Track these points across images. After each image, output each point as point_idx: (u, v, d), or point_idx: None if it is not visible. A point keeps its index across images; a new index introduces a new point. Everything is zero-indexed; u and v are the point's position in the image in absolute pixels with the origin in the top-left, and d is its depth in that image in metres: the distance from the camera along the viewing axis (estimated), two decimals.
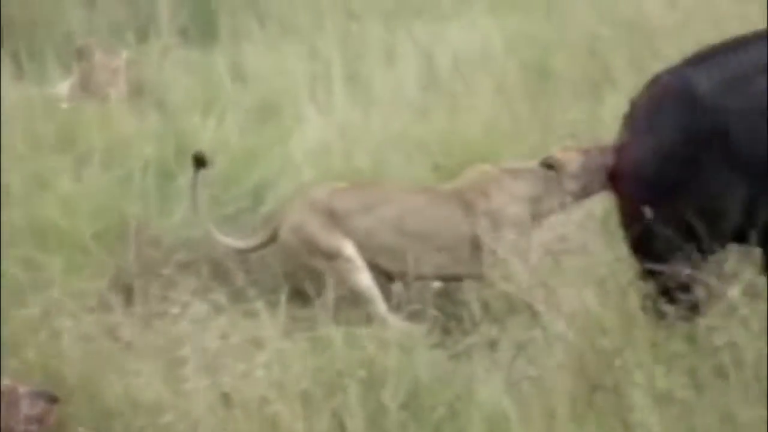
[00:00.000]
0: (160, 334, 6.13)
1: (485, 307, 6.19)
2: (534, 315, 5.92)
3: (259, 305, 5.99)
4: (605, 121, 7.86)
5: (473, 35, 9.78)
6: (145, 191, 7.64)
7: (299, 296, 6.55)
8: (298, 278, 6.63)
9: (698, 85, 5.75)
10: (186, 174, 7.21)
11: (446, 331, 6.26)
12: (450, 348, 6.08)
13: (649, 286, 5.79)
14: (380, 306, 6.44)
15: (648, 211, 5.77)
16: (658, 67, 8.15)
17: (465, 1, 10.89)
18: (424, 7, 10.94)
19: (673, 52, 8.56)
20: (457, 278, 6.54)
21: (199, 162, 6.80)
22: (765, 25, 6.06)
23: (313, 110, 8.71)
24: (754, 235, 5.78)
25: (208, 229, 6.79)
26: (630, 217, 5.93)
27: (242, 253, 6.84)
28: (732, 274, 5.82)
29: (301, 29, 10.62)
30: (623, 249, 6.07)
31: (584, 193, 6.61)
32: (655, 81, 5.96)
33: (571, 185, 6.57)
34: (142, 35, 11.06)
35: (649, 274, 5.82)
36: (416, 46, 9.75)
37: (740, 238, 5.86)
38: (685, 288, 5.71)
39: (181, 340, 5.90)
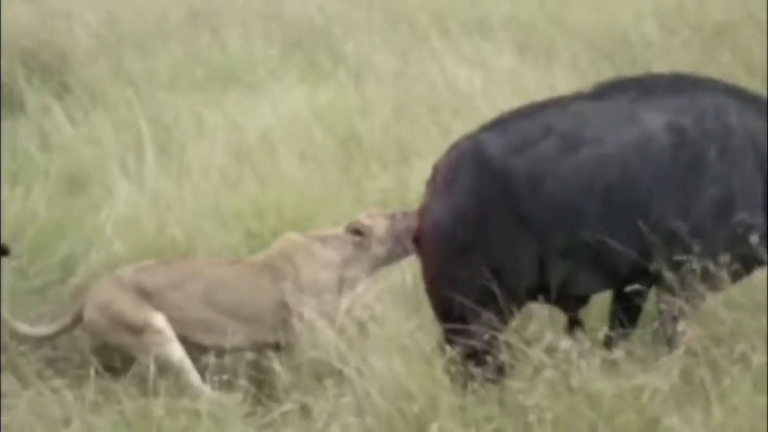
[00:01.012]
0: None
1: (297, 375, 6.18)
2: (344, 382, 5.93)
3: (59, 383, 5.85)
4: (413, 187, 7.99)
5: (283, 105, 9.83)
6: None
7: (109, 370, 6.42)
8: (107, 353, 6.50)
9: (489, 148, 5.91)
10: None
11: (258, 401, 6.22)
12: (262, 417, 6.04)
13: (455, 350, 5.87)
14: (193, 377, 6.36)
15: (447, 274, 5.87)
16: (464, 133, 8.41)
17: (275, 71, 10.95)
18: (234, 77, 10.95)
19: (479, 118, 8.81)
20: (269, 347, 6.52)
21: (2, 252, 6.63)
22: (567, 92, 6.27)
23: (124, 181, 8.60)
24: (549, 295, 5.95)
25: (5, 320, 6.58)
26: (432, 280, 6.04)
27: (43, 341, 6.66)
28: (536, 336, 5.93)
29: (109, 100, 10.50)
30: (427, 315, 6.16)
31: (391, 258, 6.70)
32: (455, 146, 6.12)
33: (379, 250, 6.64)
34: None
35: (453, 338, 5.90)
36: (227, 116, 9.74)
37: (537, 297, 6.01)
38: (489, 351, 5.81)
39: None
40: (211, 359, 6.25)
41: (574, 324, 6.09)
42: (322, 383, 5.88)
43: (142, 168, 8.83)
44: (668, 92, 5.92)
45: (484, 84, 9.70)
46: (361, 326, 6.29)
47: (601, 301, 6.19)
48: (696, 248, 5.70)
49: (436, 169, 6.10)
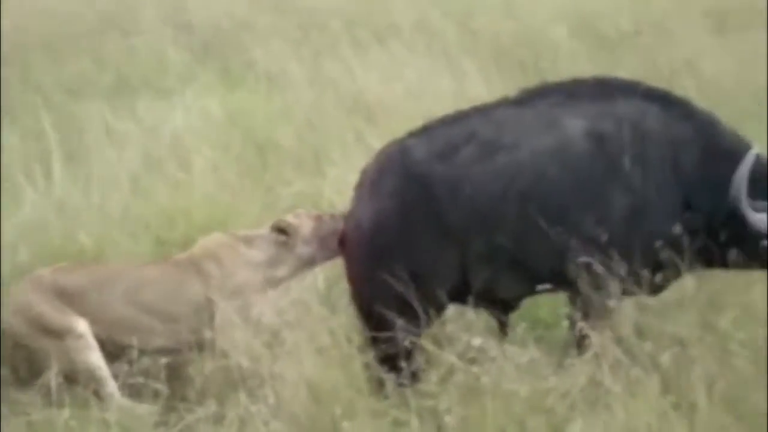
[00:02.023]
0: None
1: (211, 380, 6.14)
2: (260, 385, 5.90)
3: None
4: (326, 193, 8.00)
5: (194, 111, 9.78)
6: None
7: (18, 380, 6.32)
8: (16, 361, 6.39)
9: (414, 154, 5.95)
10: None
11: (172, 408, 6.17)
12: (174, 425, 5.99)
13: (372, 354, 5.88)
14: (109, 385, 6.28)
15: (370, 277, 5.88)
16: (377, 141, 8.43)
17: (185, 77, 10.89)
18: (144, 83, 10.87)
19: (393, 126, 8.84)
20: (191, 348, 6.43)
21: None
22: (482, 102, 6.30)
23: (30, 189, 8.48)
24: (470, 299, 5.98)
25: None
26: (355, 283, 6.05)
27: None
28: (450, 339, 5.96)
29: (16, 107, 10.36)
30: (346, 317, 6.16)
31: (317, 259, 6.66)
32: (383, 150, 6.17)
33: (304, 250, 6.61)
34: None
35: (373, 342, 5.92)
36: (137, 122, 9.66)
37: (459, 301, 6.03)
38: (407, 355, 5.82)
39: None
40: (124, 367, 6.18)
41: (504, 327, 6.11)
42: (237, 388, 5.85)
43: (51, 176, 8.72)
44: (590, 98, 5.97)
45: (396, 90, 9.73)
46: (277, 330, 6.27)
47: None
48: (612, 254, 5.74)
49: (364, 173, 6.13)
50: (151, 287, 6.47)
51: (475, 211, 5.84)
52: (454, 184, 5.86)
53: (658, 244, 5.78)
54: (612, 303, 5.81)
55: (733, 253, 5.82)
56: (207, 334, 6.37)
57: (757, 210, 5.71)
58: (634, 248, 5.79)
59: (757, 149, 5.83)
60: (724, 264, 5.90)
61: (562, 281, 5.85)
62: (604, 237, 5.75)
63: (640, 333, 5.91)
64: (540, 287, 5.90)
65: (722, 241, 5.83)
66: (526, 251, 5.84)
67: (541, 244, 5.79)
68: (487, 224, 5.84)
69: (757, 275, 6.17)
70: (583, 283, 5.78)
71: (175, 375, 6.36)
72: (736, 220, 5.76)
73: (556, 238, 5.76)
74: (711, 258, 5.87)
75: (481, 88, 9.65)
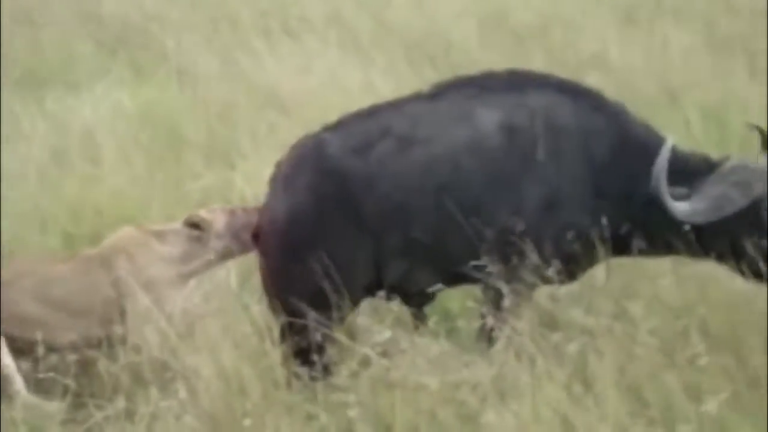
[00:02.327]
0: None
1: (121, 376, 6.09)
2: (171, 380, 5.86)
3: None
4: (237, 187, 7.96)
5: (104, 105, 9.68)
6: None
7: None
8: None
9: (330, 148, 5.95)
10: None
11: (80, 405, 6.10)
12: (83, 422, 5.93)
13: (285, 348, 5.88)
14: (16, 382, 6.20)
15: (284, 271, 5.87)
16: (288, 134, 8.41)
17: (97, 71, 10.77)
18: (52, 77, 10.73)
19: (305, 119, 8.83)
20: (101, 343, 6.37)
21: None
22: (394, 95, 6.31)
23: None
24: (382, 292, 5.99)
25: None
26: (269, 277, 6.03)
27: None
28: (362, 331, 5.97)
29: None
30: (263, 311, 6.15)
31: (230, 253, 6.64)
32: (297, 144, 6.15)
33: (217, 244, 6.58)
34: None
35: (286, 336, 5.92)
36: (46, 116, 9.54)
37: (371, 294, 6.05)
38: (319, 349, 5.82)
39: None
40: (32, 363, 6.11)
41: (419, 320, 6.13)
42: (148, 384, 5.81)
43: None
44: (503, 90, 6.00)
45: (307, 83, 9.71)
46: (189, 325, 6.24)
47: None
48: (527, 245, 5.79)
49: (278, 166, 6.12)
50: (60, 283, 6.40)
51: (392, 204, 5.86)
52: (370, 178, 5.87)
53: (571, 234, 5.85)
54: (524, 294, 5.85)
55: (649, 241, 5.90)
56: (117, 329, 6.32)
57: (677, 198, 5.79)
58: (548, 239, 5.85)
59: (671, 139, 5.91)
60: (638, 252, 5.97)
61: (477, 273, 5.88)
62: (518, 228, 5.80)
63: (551, 323, 5.95)
64: (455, 279, 5.94)
65: (638, 230, 5.91)
66: (442, 244, 5.87)
67: (457, 236, 5.83)
68: (403, 218, 5.86)
69: (666, 265, 6.27)
70: (497, 275, 5.82)
71: (85, 371, 6.29)
72: (654, 209, 5.85)
73: (471, 231, 5.79)
74: (624, 246, 5.94)
75: (392, 81, 9.67)
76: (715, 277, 6.15)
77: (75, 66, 11.00)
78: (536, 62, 9.62)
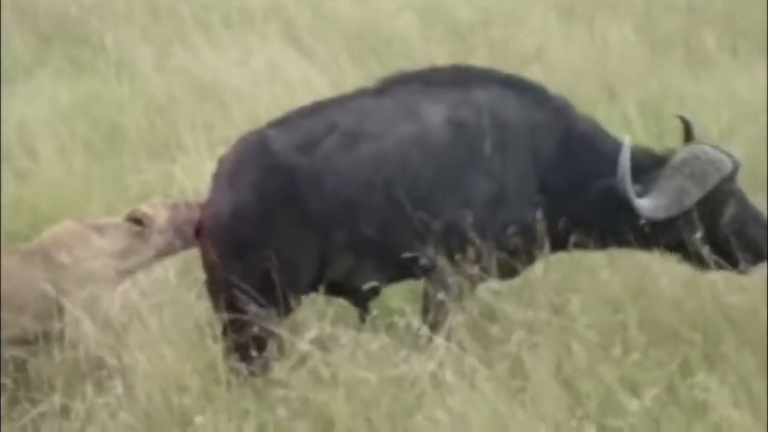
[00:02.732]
0: None
1: (58, 372, 6.03)
2: (108, 377, 5.82)
3: None
4: (177, 181, 7.92)
5: (42, 98, 9.59)
6: None
7: None
8: None
9: (275, 145, 5.93)
10: None
11: (16, 401, 6.04)
12: (18, 419, 5.87)
13: (225, 343, 5.85)
14: None
15: (227, 267, 5.84)
16: (228, 128, 8.38)
17: (34, 64, 10.67)
18: None
19: (244, 113, 8.80)
20: (38, 339, 6.29)
21: None
22: (334, 89, 6.29)
23: None
24: (323, 288, 5.99)
25: None
26: (212, 273, 6.00)
27: None
28: (302, 325, 5.96)
29: None
30: (204, 306, 6.12)
31: (172, 248, 6.58)
32: (241, 140, 6.12)
33: (159, 240, 6.52)
34: None
35: (227, 331, 5.90)
36: None
37: (314, 290, 6.04)
38: (260, 344, 5.80)
39: None
40: None
41: (364, 316, 6.12)
42: (85, 380, 5.76)
43: None
44: (448, 86, 6.01)
45: (248, 77, 9.68)
46: (128, 320, 6.20)
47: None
48: (473, 240, 5.81)
49: (222, 162, 6.09)
50: None
51: (339, 200, 5.85)
52: (316, 174, 5.87)
53: (516, 228, 5.87)
54: (467, 288, 5.87)
55: (596, 235, 5.94)
56: (55, 324, 6.25)
57: (638, 195, 5.84)
58: (493, 233, 5.87)
59: (627, 138, 5.95)
60: (580, 245, 6.00)
61: (422, 268, 5.90)
62: (465, 222, 5.81)
63: (490, 317, 5.98)
64: (400, 275, 5.95)
65: (584, 224, 5.94)
66: (389, 239, 5.87)
67: (405, 231, 5.84)
68: (350, 213, 5.86)
69: (604, 259, 6.31)
70: (440, 269, 5.83)
71: (21, 367, 6.23)
72: (605, 203, 5.89)
73: (419, 225, 5.79)
74: (567, 241, 5.98)
75: (332, 74, 9.66)
76: (652, 270, 6.20)
77: (11, 59, 10.88)
78: (478, 56, 9.65)
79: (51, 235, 6.51)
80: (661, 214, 5.84)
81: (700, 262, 5.95)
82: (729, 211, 5.94)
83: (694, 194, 5.85)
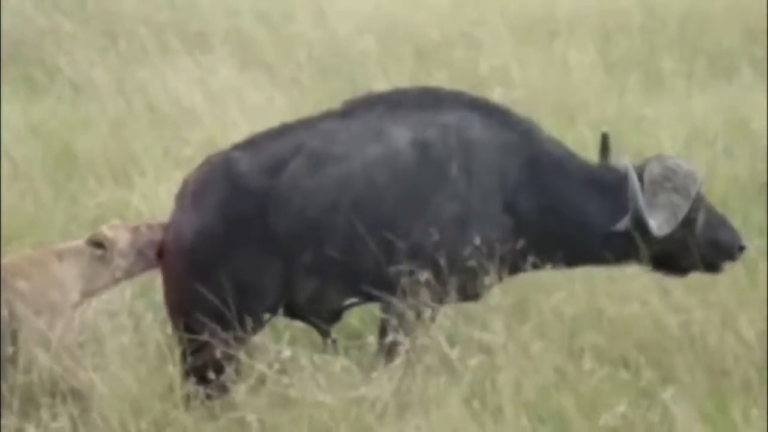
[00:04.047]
0: None
1: (12, 396, 5.96)
2: (63, 400, 5.75)
3: None
4: (133, 204, 7.87)
5: None
6: None
7: None
8: None
9: (240, 167, 5.92)
10: None
11: None
12: None
13: (183, 366, 5.83)
14: None
15: (188, 289, 5.81)
16: (189, 151, 8.34)
17: None
18: None
19: (201, 134, 8.77)
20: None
21: None
22: (294, 111, 6.28)
23: None
24: (282, 311, 5.96)
25: None
26: (173, 295, 5.99)
27: None
28: (260, 349, 5.93)
29: None
30: (161, 328, 6.07)
31: (134, 270, 6.51)
32: (206, 161, 6.11)
33: (121, 262, 6.45)
34: None
35: (186, 354, 5.89)
36: None
37: (273, 312, 6.00)
38: (218, 367, 5.77)
39: None
40: None
41: (326, 339, 6.09)
42: (39, 404, 5.70)
43: None
44: (414, 108, 6.03)
45: (206, 99, 9.64)
46: (85, 343, 6.14)
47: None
48: (439, 261, 5.81)
49: (186, 182, 6.07)
50: None
51: (305, 223, 5.84)
52: (282, 196, 5.86)
53: (482, 249, 5.88)
54: (430, 310, 5.87)
55: (564, 254, 5.99)
56: (9, 349, 6.18)
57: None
58: (459, 254, 5.87)
59: (628, 159, 6.05)
60: (538, 266, 6.01)
61: (387, 290, 5.89)
62: (431, 244, 5.82)
63: (451, 340, 5.97)
64: (365, 297, 5.94)
65: (550, 244, 5.97)
66: (354, 261, 5.87)
67: (370, 254, 5.83)
68: (316, 235, 5.85)
69: (563, 280, 6.33)
70: (403, 291, 5.82)
71: None
72: (579, 223, 5.97)
73: (384, 247, 5.78)
74: (527, 262, 5.99)
75: (292, 96, 9.65)
76: (608, 290, 6.24)
77: None
78: (439, 77, 9.68)
79: (9, 261, 6.45)
80: (665, 230, 5.93)
81: (681, 270, 6.11)
82: (701, 217, 6.05)
83: (684, 206, 5.97)
